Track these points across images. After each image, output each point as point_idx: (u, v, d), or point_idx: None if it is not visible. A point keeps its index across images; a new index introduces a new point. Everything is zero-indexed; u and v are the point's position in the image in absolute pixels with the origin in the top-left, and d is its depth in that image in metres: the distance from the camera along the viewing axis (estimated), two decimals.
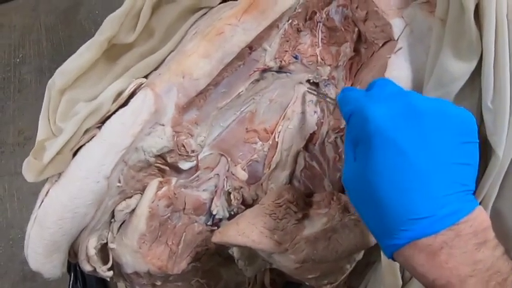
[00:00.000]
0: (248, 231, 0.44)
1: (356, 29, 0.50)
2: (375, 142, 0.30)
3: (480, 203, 0.39)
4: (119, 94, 0.46)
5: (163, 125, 0.45)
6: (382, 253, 0.44)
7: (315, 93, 0.53)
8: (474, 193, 0.31)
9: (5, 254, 1.13)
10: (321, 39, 0.52)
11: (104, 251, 0.50)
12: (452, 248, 0.29)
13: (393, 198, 0.30)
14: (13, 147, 1.26)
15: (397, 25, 0.46)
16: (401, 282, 0.45)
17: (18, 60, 1.41)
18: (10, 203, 1.18)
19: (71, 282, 0.64)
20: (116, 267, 0.50)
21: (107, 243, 0.49)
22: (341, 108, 0.37)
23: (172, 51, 0.50)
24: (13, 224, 1.15)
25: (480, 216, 0.30)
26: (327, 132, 0.52)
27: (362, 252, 0.50)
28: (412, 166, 0.29)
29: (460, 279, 0.29)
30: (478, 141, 0.32)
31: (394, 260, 0.32)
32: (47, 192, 0.44)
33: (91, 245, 0.47)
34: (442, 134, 0.30)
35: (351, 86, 0.51)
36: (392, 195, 0.30)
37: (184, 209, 0.50)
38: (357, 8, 0.49)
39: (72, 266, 0.63)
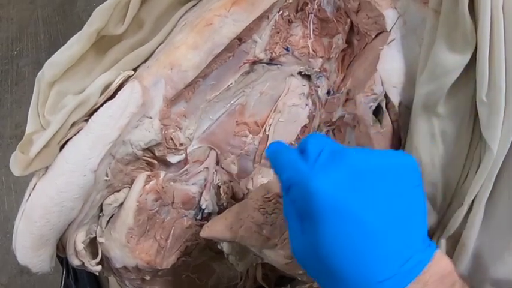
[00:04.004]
0: (236, 226, 0.43)
1: (348, 20, 0.49)
2: (323, 217, 0.29)
3: (474, 200, 0.38)
4: (107, 86, 0.45)
5: (151, 118, 0.45)
6: None
7: None
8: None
9: (3, 247, 1.14)
10: (313, 30, 0.51)
11: (93, 245, 0.49)
12: None
13: (351, 269, 0.28)
14: (10, 140, 1.27)
15: (390, 16, 0.45)
16: None
17: (15, 53, 1.41)
18: (7, 196, 1.18)
19: (63, 276, 0.64)
20: (105, 261, 0.50)
21: (95, 237, 0.48)
22: (276, 171, 0.34)
23: (161, 43, 0.49)
24: (10, 217, 1.16)
25: (442, 260, 0.30)
26: (319, 126, 0.51)
27: None
28: (366, 232, 0.28)
29: None
30: (422, 181, 0.31)
31: None
32: (34, 186, 0.43)
33: (79, 240, 0.47)
34: (389, 187, 0.29)
35: (343, 78, 0.51)
36: (349, 267, 0.28)
37: (173, 203, 0.49)
38: None
39: (64, 259, 0.63)
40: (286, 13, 0.50)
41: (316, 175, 0.29)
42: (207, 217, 0.52)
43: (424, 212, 0.31)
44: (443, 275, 0.29)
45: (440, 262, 0.30)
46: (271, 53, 0.50)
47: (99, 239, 0.48)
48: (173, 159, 0.48)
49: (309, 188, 0.29)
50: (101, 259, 0.49)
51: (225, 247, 0.49)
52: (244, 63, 0.50)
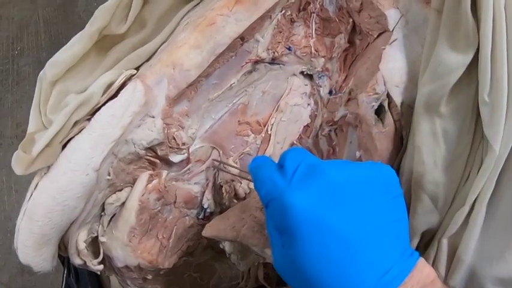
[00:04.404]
0: (238, 226, 0.43)
1: (350, 20, 0.49)
2: (300, 232, 0.29)
3: (475, 200, 0.38)
4: (109, 85, 0.45)
5: (153, 117, 0.45)
6: None
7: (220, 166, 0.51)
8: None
9: (4, 246, 1.14)
10: (315, 30, 0.52)
11: (94, 245, 0.49)
12: None
13: (331, 281, 0.29)
14: (11, 139, 1.27)
15: (392, 16, 0.45)
16: None
17: (16, 52, 1.41)
18: (8, 196, 1.18)
19: (65, 275, 0.64)
20: (107, 260, 0.50)
21: (97, 236, 0.48)
22: (255, 186, 0.35)
23: (164, 42, 0.49)
24: (11, 216, 1.16)
25: (425, 269, 0.30)
26: (321, 125, 0.51)
27: None
28: (344, 245, 0.28)
29: None
30: (402, 191, 0.31)
31: None
32: (36, 185, 0.43)
33: (81, 239, 0.47)
34: (367, 199, 0.29)
35: (346, 77, 0.51)
36: (329, 280, 0.29)
37: (175, 202, 0.49)
38: None
39: (66, 258, 0.63)
40: (289, 13, 0.50)
41: (292, 190, 0.30)
42: (209, 216, 0.52)
43: (405, 222, 0.31)
44: (425, 284, 0.29)
45: (422, 271, 0.30)
46: (274, 53, 0.50)
47: (101, 238, 0.48)
48: (175, 158, 0.48)
49: (285, 203, 0.29)
50: (103, 258, 0.49)
51: (227, 246, 0.49)
52: (247, 62, 0.50)
